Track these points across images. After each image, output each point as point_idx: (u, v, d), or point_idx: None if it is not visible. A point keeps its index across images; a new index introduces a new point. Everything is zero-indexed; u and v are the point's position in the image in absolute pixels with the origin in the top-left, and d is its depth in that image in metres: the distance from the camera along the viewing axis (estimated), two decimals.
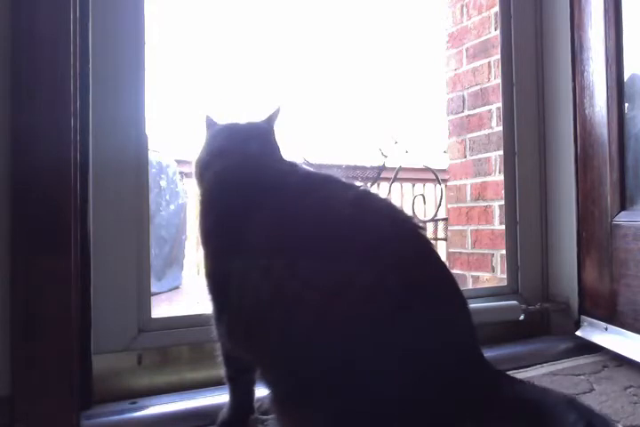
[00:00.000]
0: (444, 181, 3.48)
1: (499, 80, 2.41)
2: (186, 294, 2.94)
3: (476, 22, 2.64)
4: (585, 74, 1.64)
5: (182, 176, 3.18)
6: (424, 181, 4.59)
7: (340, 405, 0.74)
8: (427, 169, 3.59)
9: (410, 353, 0.75)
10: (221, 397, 1.19)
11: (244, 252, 0.89)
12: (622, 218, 1.48)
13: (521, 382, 0.84)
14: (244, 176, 1.02)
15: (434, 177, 3.62)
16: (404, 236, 0.87)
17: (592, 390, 1.29)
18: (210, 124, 1.22)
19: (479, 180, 2.59)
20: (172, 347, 1.32)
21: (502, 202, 1.92)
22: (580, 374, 1.40)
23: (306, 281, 0.79)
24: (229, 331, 0.96)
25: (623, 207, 1.48)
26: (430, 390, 0.74)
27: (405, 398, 0.74)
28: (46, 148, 1.04)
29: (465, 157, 2.69)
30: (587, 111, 1.62)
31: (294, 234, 0.85)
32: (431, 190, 4.71)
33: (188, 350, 1.34)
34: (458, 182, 2.77)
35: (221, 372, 1.07)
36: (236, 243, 0.91)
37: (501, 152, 2.37)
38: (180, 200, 3.13)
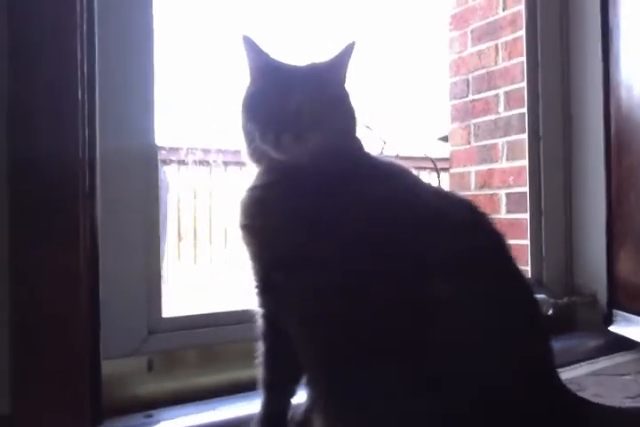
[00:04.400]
0: (443, 169, 3.37)
1: (507, 63, 2.34)
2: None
3: (482, 3, 2.51)
4: (618, 45, 1.53)
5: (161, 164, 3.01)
6: (418, 169, 4.49)
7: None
8: (422, 158, 3.49)
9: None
10: (245, 407, 1.07)
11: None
12: None
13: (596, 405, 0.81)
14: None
15: (429, 165, 3.51)
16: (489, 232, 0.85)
17: None
18: (253, 50, 0.94)
19: (484, 167, 2.48)
20: (186, 349, 1.19)
21: (509, 190, 1.83)
22: (624, 375, 1.31)
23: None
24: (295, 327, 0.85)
25: None
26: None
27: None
28: (52, 140, 0.91)
29: (469, 143, 2.59)
30: (622, 89, 1.52)
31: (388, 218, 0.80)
32: (425, 179, 4.62)
33: (203, 353, 1.20)
34: (461, 170, 2.66)
35: (257, 376, 0.94)
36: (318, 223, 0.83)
37: (509, 138, 2.30)
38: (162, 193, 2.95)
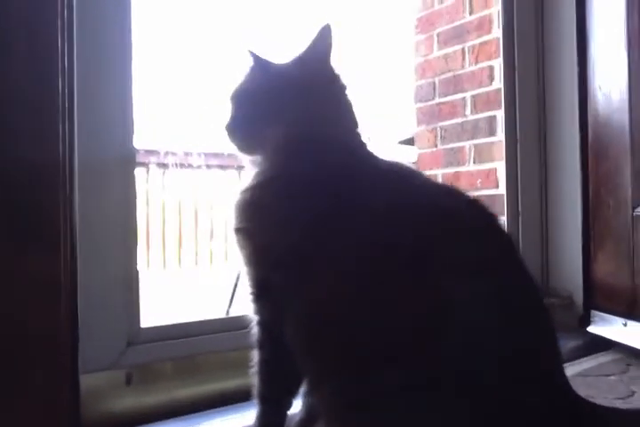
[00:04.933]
0: None
1: (474, 67, 2.35)
2: None
3: (449, 6, 2.53)
4: (595, 51, 1.55)
5: None
6: None
7: None
8: None
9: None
10: (232, 420, 1.01)
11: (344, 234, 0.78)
12: None
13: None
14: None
15: None
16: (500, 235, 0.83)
17: (634, 392, 1.20)
18: (259, 63, 0.95)
19: (451, 170, 2.49)
20: (166, 361, 1.11)
21: (477, 193, 1.83)
22: (609, 375, 1.31)
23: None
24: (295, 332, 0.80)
25: None
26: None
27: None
28: (30, 145, 0.85)
29: (436, 146, 2.59)
30: (598, 95, 1.54)
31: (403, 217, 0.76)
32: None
33: (184, 364, 1.13)
34: (428, 173, 2.66)
35: (251, 387, 0.88)
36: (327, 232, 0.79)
37: (476, 141, 2.31)
38: None
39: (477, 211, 0.82)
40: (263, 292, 0.86)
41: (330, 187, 0.82)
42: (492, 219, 0.83)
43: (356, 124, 0.94)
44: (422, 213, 0.78)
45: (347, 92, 0.95)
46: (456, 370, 0.68)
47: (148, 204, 4.08)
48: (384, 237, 0.76)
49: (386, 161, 0.90)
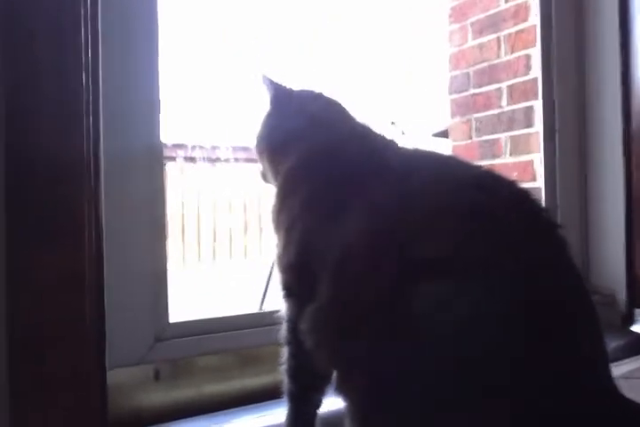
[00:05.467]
0: None
1: (509, 56, 2.28)
2: None
3: None
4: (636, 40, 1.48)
5: None
6: None
7: None
8: None
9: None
10: (262, 418, 0.99)
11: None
12: None
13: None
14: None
15: None
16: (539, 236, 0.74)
17: None
18: (274, 88, 1.03)
19: (486, 162, 2.43)
20: (194, 357, 1.10)
21: None
22: None
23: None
24: (313, 327, 0.78)
25: None
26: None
27: None
28: (55, 138, 0.85)
29: (470, 138, 2.53)
30: None
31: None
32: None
33: (213, 360, 1.12)
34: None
35: (282, 385, 0.88)
36: (342, 221, 0.77)
37: (512, 132, 2.24)
38: None
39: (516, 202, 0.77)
40: (287, 291, 0.88)
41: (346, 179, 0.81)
42: (540, 213, 0.78)
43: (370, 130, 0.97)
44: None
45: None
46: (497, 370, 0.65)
47: (182, 199, 4.12)
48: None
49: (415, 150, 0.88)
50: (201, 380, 1.08)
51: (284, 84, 1.03)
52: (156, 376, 1.04)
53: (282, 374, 0.87)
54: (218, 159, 3.87)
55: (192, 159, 3.76)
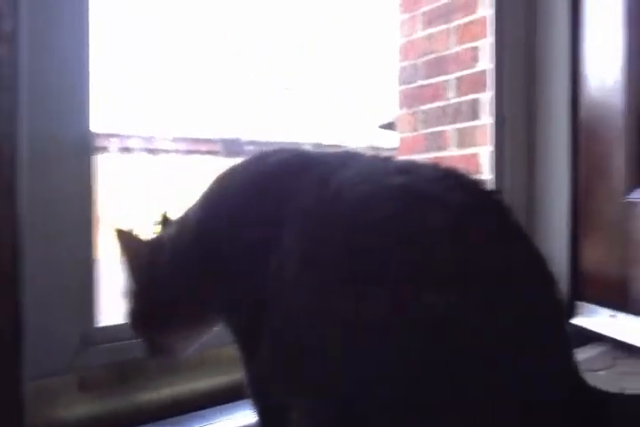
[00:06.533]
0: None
1: (458, 48, 2.26)
2: None
3: None
4: (589, 29, 1.47)
5: None
6: None
7: None
8: (369, 148, 3.40)
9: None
10: None
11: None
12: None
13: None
14: None
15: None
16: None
17: (624, 389, 1.14)
18: None
19: (432, 155, 2.42)
20: (124, 363, 1.01)
21: None
22: (597, 370, 1.25)
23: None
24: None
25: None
26: None
27: None
28: None
29: (416, 130, 2.51)
30: (592, 76, 1.45)
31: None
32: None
33: (145, 366, 1.03)
34: (409, 157, 2.58)
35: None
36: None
37: (459, 125, 2.23)
38: None
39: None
40: None
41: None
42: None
43: None
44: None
45: None
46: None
47: (111, 190, 3.93)
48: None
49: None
50: (133, 388, 0.99)
51: None
52: (82, 386, 0.95)
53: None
54: (156, 150, 3.71)
55: (127, 150, 3.58)
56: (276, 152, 0.83)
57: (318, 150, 0.86)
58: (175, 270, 0.83)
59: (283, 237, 0.69)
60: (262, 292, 0.70)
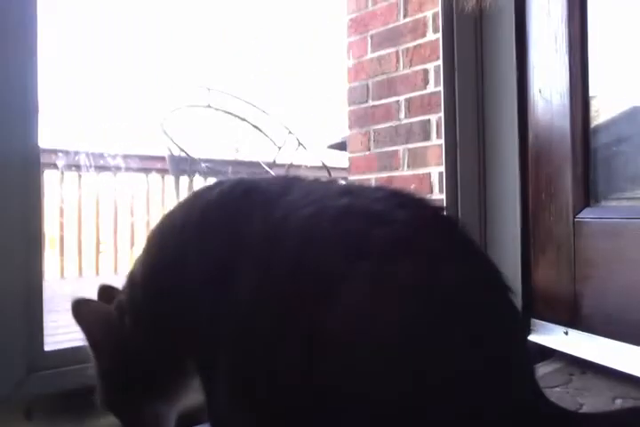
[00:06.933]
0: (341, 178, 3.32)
1: (408, 70, 2.31)
2: None
3: (383, 8, 2.49)
4: (535, 54, 1.53)
5: None
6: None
7: None
8: (320, 167, 3.41)
9: None
10: None
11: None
12: (587, 215, 1.39)
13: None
14: None
15: (323, 174, 3.45)
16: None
17: (582, 404, 1.16)
18: None
19: (385, 174, 2.44)
20: (74, 390, 0.95)
21: None
22: (554, 386, 1.27)
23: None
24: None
25: (587, 204, 1.39)
26: None
27: None
28: None
29: (369, 149, 2.54)
30: (539, 99, 1.51)
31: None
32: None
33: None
34: (361, 177, 2.60)
35: None
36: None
37: (410, 145, 2.27)
38: None
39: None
40: None
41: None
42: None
43: None
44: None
45: None
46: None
47: (61, 208, 3.79)
48: None
49: None
50: (83, 416, 0.93)
51: None
52: (28, 415, 0.89)
53: None
54: (105, 167, 3.60)
55: (76, 167, 3.47)
56: (217, 184, 0.82)
57: (259, 177, 0.86)
58: (139, 330, 0.79)
59: (240, 267, 0.68)
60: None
